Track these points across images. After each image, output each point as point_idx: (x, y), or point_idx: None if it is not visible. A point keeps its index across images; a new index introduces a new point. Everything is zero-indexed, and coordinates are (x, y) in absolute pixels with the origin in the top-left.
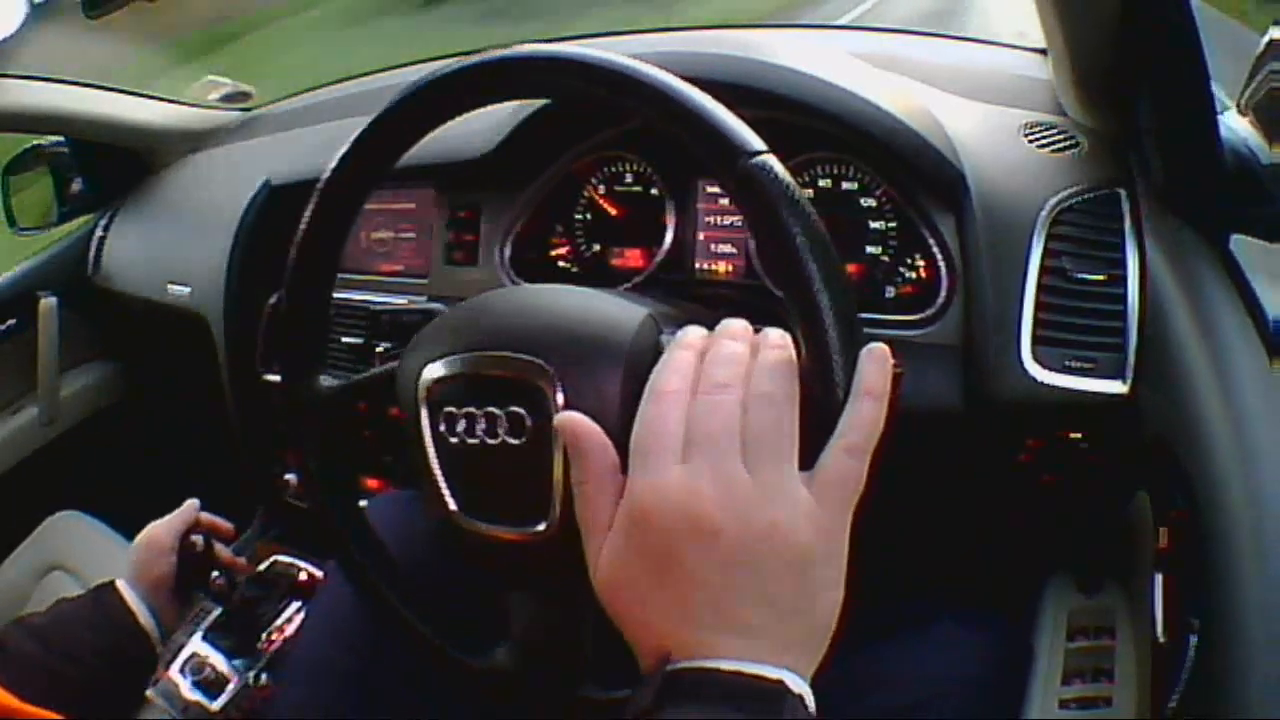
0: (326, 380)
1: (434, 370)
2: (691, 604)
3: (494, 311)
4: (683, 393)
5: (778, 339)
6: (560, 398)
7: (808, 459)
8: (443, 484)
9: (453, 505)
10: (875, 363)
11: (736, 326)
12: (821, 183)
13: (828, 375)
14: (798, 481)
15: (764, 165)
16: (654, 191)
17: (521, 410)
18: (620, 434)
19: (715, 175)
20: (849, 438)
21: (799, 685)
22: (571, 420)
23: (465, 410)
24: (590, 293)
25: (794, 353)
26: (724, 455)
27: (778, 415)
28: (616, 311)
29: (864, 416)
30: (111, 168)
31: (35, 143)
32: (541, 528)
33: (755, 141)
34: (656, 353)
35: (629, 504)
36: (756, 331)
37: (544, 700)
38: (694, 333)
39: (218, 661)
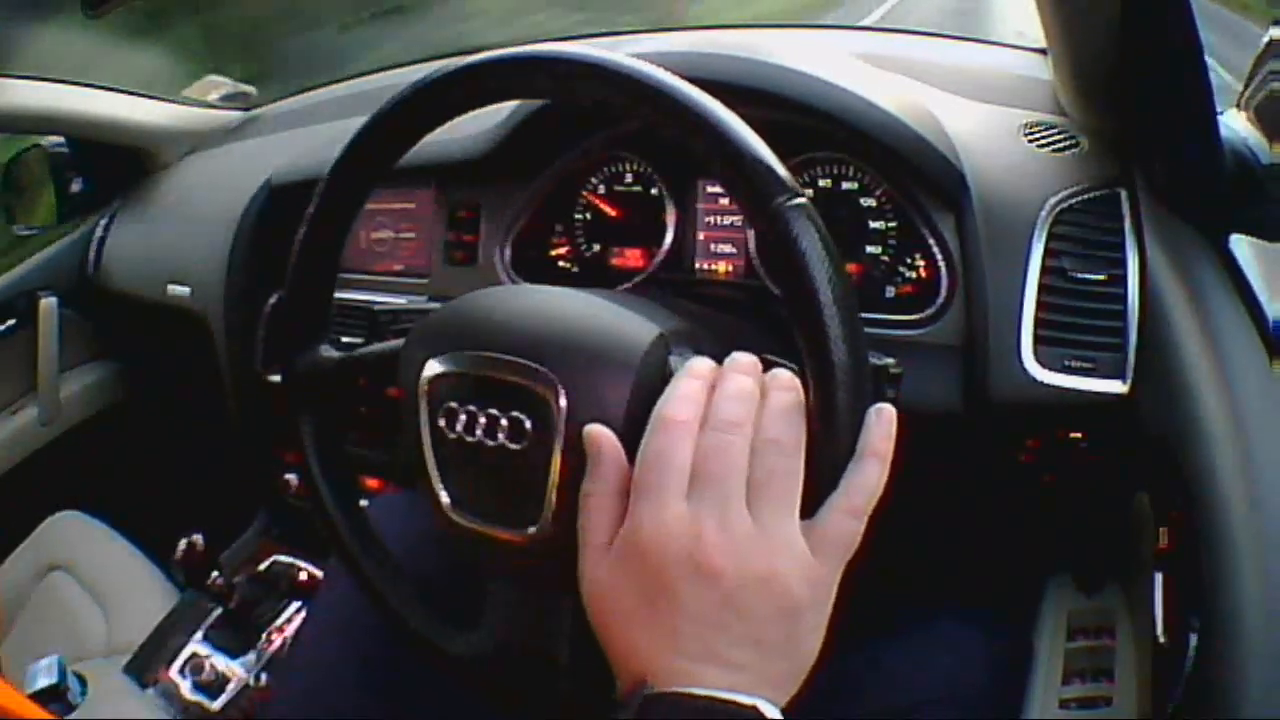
0: (327, 350)
1: (437, 364)
2: (679, 636)
3: (504, 311)
4: (691, 424)
5: (787, 381)
6: (564, 407)
7: (806, 508)
8: (436, 477)
9: (445, 499)
10: (882, 424)
11: (746, 362)
12: (821, 183)
13: (835, 431)
14: (797, 533)
15: (799, 209)
16: (654, 191)
17: (522, 416)
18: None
19: (744, 209)
20: (851, 499)
21: (773, 712)
22: (598, 433)
23: (466, 408)
24: (603, 302)
25: (803, 397)
26: (729, 497)
27: (785, 464)
28: (628, 326)
29: (867, 479)
30: (111, 168)
31: (35, 143)
32: (531, 531)
33: (790, 181)
34: (665, 374)
35: (630, 531)
36: (766, 367)
37: (524, 699)
38: (703, 363)
39: (218, 661)
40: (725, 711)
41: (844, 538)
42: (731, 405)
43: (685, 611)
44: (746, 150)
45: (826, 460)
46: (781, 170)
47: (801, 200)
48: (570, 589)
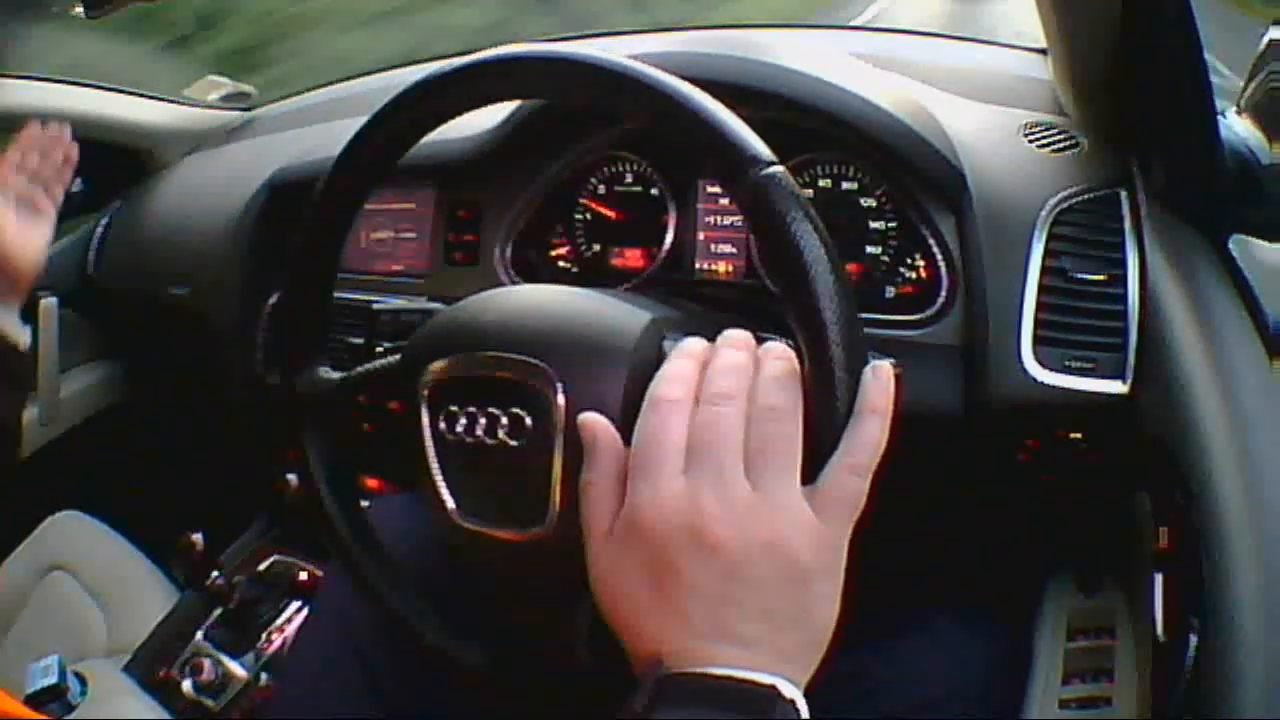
0: (326, 372)
1: (435, 368)
2: (688, 614)
3: (497, 312)
4: (684, 401)
5: (781, 351)
6: (561, 401)
7: (807, 473)
8: (441, 483)
9: (450, 504)
10: (879, 381)
11: (739, 337)
12: (821, 183)
13: (831, 392)
14: (800, 497)
15: (775, 178)
16: (654, 191)
17: (521, 412)
18: (621, 439)
19: (723, 185)
20: (853, 457)
21: (791, 691)
22: (592, 420)
23: (466, 410)
24: (594, 295)
25: (797, 365)
26: (726, 468)
27: (782, 429)
28: (619, 316)
29: (868, 436)
30: (111, 168)
31: None
32: (538, 530)
33: (766, 153)
34: (659, 359)
35: (629, 512)
36: (759, 342)
37: (539, 700)
38: (695, 343)
39: (218, 661)
40: (741, 691)
41: (848, 497)
42: (724, 378)
43: (691, 588)
44: (718, 127)
45: (825, 422)
46: (755, 142)
47: (776, 168)
48: (584, 588)
